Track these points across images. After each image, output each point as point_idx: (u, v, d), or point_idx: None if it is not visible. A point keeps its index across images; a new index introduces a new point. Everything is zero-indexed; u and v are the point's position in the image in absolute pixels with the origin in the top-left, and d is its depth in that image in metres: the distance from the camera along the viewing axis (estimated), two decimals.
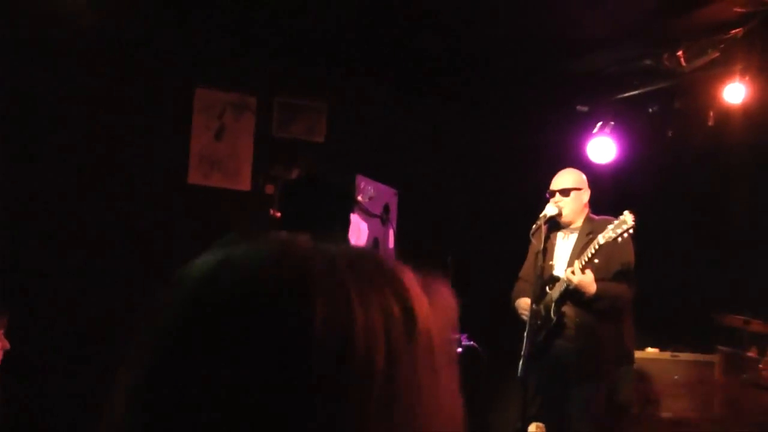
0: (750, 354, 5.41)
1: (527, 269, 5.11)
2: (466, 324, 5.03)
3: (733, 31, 5.78)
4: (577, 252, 4.81)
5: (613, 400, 4.81)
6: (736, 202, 6.45)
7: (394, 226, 5.35)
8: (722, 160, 6.34)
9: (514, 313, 5.03)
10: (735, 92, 5.95)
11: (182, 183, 5.95)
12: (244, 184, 6.05)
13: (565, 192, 4.96)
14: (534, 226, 4.94)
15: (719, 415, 5.74)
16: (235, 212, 5.95)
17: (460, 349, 4.95)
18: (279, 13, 5.71)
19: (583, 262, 4.67)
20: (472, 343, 5.00)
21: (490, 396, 5.62)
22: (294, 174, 5.32)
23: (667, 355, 5.93)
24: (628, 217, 4.60)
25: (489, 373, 5.26)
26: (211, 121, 6.01)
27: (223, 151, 6.02)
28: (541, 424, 4.85)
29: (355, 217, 5.30)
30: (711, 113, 6.34)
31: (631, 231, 4.60)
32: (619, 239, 4.61)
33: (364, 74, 6.15)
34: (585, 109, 6.65)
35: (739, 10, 5.45)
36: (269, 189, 5.79)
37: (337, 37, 5.90)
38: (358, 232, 5.30)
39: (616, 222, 4.63)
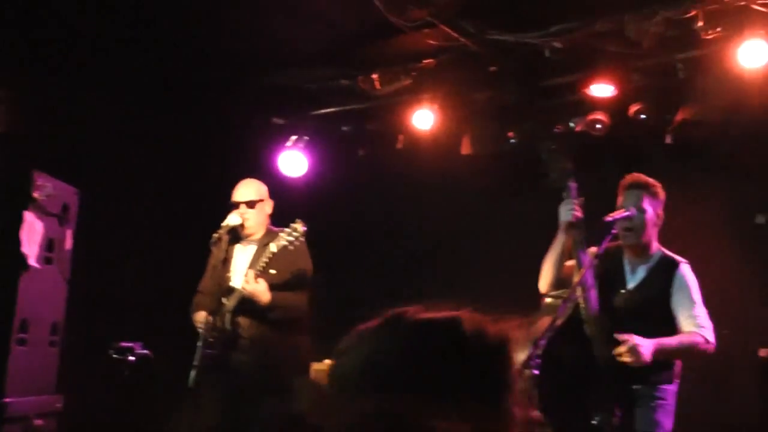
0: None
1: (205, 282, 5.06)
2: (142, 333, 4.88)
3: (426, 62, 6.14)
4: (254, 262, 4.85)
5: (292, 412, 4.87)
6: (419, 220, 6.86)
7: (74, 226, 5.09)
8: (408, 181, 6.69)
9: (193, 325, 4.95)
10: (424, 118, 6.31)
11: None
12: None
13: (251, 204, 4.97)
14: (215, 235, 4.88)
15: None
16: None
17: (132, 358, 4.79)
18: None
19: (258, 271, 4.72)
20: (146, 352, 4.87)
21: (164, 405, 5.53)
22: None
23: None
24: (298, 226, 4.70)
25: (163, 382, 5.14)
26: None
27: None
28: None
29: (29, 215, 4.98)
30: (400, 137, 6.70)
31: (302, 239, 4.70)
32: (291, 247, 4.69)
33: (49, 64, 5.77)
34: (281, 122, 6.75)
35: (432, 42, 5.81)
36: None
37: (17, 23, 5.50)
38: (32, 231, 4.99)
39: (287, 230, 4.71)
